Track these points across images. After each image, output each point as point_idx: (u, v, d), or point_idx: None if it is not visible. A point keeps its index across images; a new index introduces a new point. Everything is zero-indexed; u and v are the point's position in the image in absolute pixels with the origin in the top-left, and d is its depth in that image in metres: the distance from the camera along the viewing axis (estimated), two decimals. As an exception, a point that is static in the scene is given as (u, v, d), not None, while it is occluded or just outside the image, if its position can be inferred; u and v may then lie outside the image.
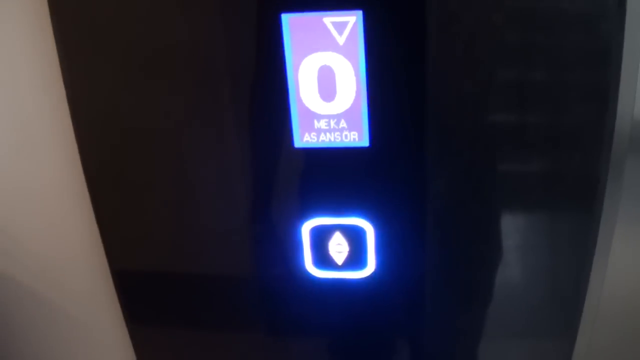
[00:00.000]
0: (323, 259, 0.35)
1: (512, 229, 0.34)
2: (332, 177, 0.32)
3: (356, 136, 0.31)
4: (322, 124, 0.31)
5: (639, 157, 0.33)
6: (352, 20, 0.29)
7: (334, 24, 0.29)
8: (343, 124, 0.31)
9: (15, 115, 0.36)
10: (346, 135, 0.31)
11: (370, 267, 0.34)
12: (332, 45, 0.30)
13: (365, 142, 0.31)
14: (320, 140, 0.31)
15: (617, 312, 0.38)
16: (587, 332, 0.37)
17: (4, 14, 0.33)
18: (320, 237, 0.34)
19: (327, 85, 0.30)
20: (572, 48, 0.29)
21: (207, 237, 0.36)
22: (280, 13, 0.29)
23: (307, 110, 0.31)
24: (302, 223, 0.34)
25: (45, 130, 0.36)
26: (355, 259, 0.34)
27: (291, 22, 0.29)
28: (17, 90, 0.35)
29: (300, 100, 0.31)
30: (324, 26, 0.29)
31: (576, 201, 0.33)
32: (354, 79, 0.30)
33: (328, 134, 0.31)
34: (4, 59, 0.34)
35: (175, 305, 0.39)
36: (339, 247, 0.34)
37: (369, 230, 0.33)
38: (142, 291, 0.39)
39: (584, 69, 0.30)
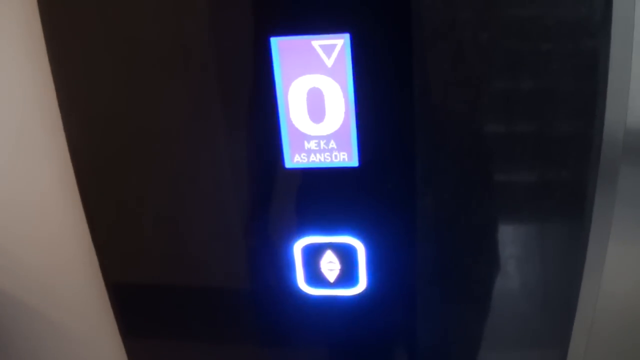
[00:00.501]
0: (315, 276, 0.35)
1: (502, 241, 0.34)
2: (323, 196, 0.33)
3: (346, 156, 0.32)
4: (312, 144, 0.32)
5: (632, 165, 0.33)
6: (340, 43, 0.29)
7: (322, 47, 0.30)
8: (333, 144, 0.32)
9: (7, 125, 0.36)
10: (336, 156, 0.32)
11: (362, 284, 0.35)
12: (321, 68, 0.30)
13: (354, 162, 0.32)
14: (310, 161, 0.32)
15: (613, 320, 0.38)
16: (581, 341, 0.37)
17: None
18: (312, 255, 0.34)
19: (317, 107, 0.31)
20: (559, 58, 0.30)
21: (200, 255, 0.36)
22: (270, 37, 0.30)
23: (297, 131, 0.31)
24: (294, 242, 0.34)
25: (38, 141, 0.36)
26: (347, 276, 0.35)
27: (280, 46, 0.30)
28: (9, 99, 0.35)
29: (290, 121, 0.31)
30: (313, 49, 0.30)
31: (565, 211, 0.33)
32: (342, 100, 0.31)
33: (318, 154, 0.32)
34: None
35: (170, 321, 0.40)
36: (330, 265, 0.34)
37: (360, 248, 0.34)
38: (136, 304, 0.39)
39: (571, 79, 0.30)
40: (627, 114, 0.32)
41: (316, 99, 0.31)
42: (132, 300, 0.39)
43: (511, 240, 0.34)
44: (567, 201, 0.33)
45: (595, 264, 0.35)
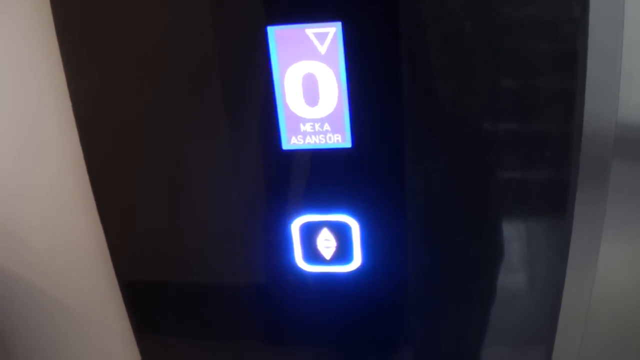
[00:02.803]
0: (312, 254, 0.37)
1: (489, 224, 0.36)
2: (318, 176, 0.35)
3: (339, 138, 0.33)
4: (308, 127, 0.33)
5: (624, 160, 0.34)
6: (333, 31, 0.31)
7: (316, 34, 0.31)
8: (327, 127, 0.33)
9: (20, 115, 0.37)
10: (330, 138, 0.33)
11: (357, 261, 0.36)
12: (315, 55, 0.32)
13: (348, 144, 0.33)
14: (306, 143, 0.34)
15: (609, 318, 0.39)
16: (575, 339, 0.38)
17: (6, 15, 0.35)
18: (309, 233, 0.36)
19: (311, 92, 0.33)
20: (539, 54, 0.31)
21: (202, 237, 0.38)
22: (266, 26, 0.31)
23: (294, 115, 0.33)
24: (291, 220, 0.36)
25: (51, 133, 0.37)
26: (342, 253, 0.36)
27: (277, 34, 0.32)
28: (22, 91, 0.37)
29: (286, 105, 0.33)
30: (307, 37, 0.32)
31: (548, 206, 0.34)
32: (335, 85, 0.32)
33: (313, 136, 0.34)
34: (6, 59, 0.36)
35: (177, 311, 0.41)
36: (326, 243, 0.36)
37: (354, 226, 0.35)
38: (146, 298, 0.41)
39: (551, 74, 0.31)
40: (620, 110, 0.32)
41: (311, 84, 0.32)
42: (143, 295, 0.41)
43: (498, 222, 0.36)
44: (548, 197, 0.34)
45: (585, 261, 0.36)
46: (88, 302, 0.43)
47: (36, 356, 0.47)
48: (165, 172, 0.37)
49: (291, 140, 0.34)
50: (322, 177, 0.35)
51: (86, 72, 0.35)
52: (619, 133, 0.33)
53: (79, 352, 0.46)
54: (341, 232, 0.36)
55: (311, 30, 0.31)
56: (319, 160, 0.34)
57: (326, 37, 0.31)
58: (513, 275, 0.37)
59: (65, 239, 0.41)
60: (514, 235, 0.35)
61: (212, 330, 0.42)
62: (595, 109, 0.32)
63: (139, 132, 0.36)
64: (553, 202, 0.34)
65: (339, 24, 0.31)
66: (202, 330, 0.42)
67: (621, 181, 0.34)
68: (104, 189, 0.38)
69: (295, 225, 0.36)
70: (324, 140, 0.33)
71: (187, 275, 0.40)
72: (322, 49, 0.32)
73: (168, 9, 0.33)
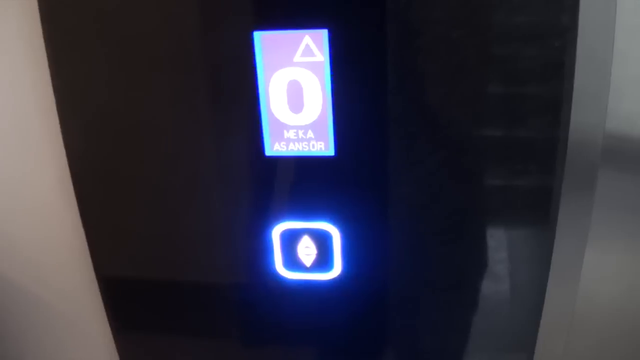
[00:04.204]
0: (293, 261, 0.36)
1: (472, 233, 0.36)
2: (301, 183, 0.34)
3: (322, 146, 0.33)
4: (291, 134, 0.33)
5: (613, 170, 0.34)
6: (319, 37, 0.31)
7: (302, 41, 0.31)
8: (310, 134, 0.33)
9: (4, 117, 0.37)
10: (313, 145, 0.33)
11: (337, 269, 0.36)
12: (300, 61, 0.32)
13: (331, 152, 0.33)
14: (289, 149, 0.34)
15: (591, 328, 0.39)
16: (558, 346, 0.39)
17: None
18: (290, 240, 0.36)
19: (296, 98, 0.33)
20: (525, 61, 0.31)
21: (183, 241, 0.38)
22: (253, 31, 0.31)
23: (277, 121, 0.33)
24: (272, 227, 0.36)
25: (33, 129, 0.37)
26: (323, 261, 0.36)
27: (263, 40, 0.32)
28: (4, 89, 0.36)
29: (270, 111, 0.33)
30: (293, 43, 0.31)
31: (531, 215, 0.35)
32: (320, 92, 0.32)
33: (297, 143, 0.33)
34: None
35: (156, 310, 0.41)
36: (307, 250, 0.36)
37: (335, 234, 0.35)
38: (126, 297, 0.41)
39: (537, 82, 0.31)
40: (608, 120, 0.33)
41: (295, 91, 0.32)
42: (123, 293, 0.41)
43: (480, 230, 0.36)
44: (532, 205, 0.34)
45: (569, 270, 0.36)
46: (66, 300, 0.43)
47: (13, 354, 0.46)
48: (149, 175, 0.36)
49: (274, 147, 0.34)
50: (304, 185, 0.35)
51: (72, 71, 0.34)
52: (608, 143, 0.33)
53: (56, 351, 0.45)
54: (322, 240, 0.36)
55: (297, 37, 0.31)
56: (302, 167, 0.34)
57: (312, 43, 0.31)
58: (495, 283, 0.37)
59: (45, 236, 0.41)
60: (497, 243, 0.36)
61: (190, 332, 0.41)
62: (584, 118, 0.32)
63: (123, 132, 0.35)
64: (536, 210, 0.34)
65: (325, 31, 0.31)
66: (181, 332, 0.42)
67: (609, 191, 0.35)
68: (86, 188, 0.37)
69: (276, 232, 0.36)
70: (307, 148, 0.33)
71: (168, 277, 0.40)
72: (308, 55, 0.32)
73: (155, 13, 0.32)
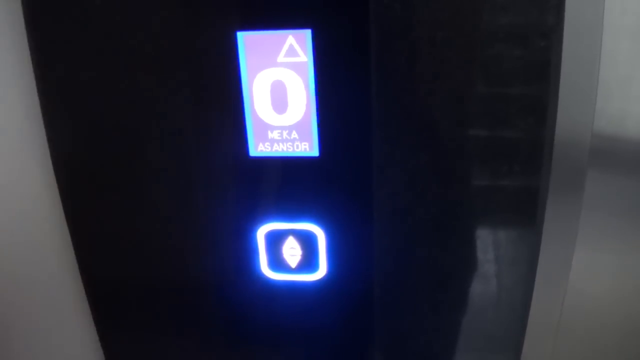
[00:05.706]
0: (278, 262, 0.36)
1: (458, 234, 0.36)
2: (285, 184, 0.34)
3: (307, 146, 0.33)
4: (275, 134, 0.33)
5: (601, 171, 0.34)
6: (303, 38, 0.31)
7: (286, 41, 0.31)
8: (294, 135, 0.33)
9: None
10: (297, 146, 0.33)
11: (322, 270, 0.36)
12: (284, 62, 0.32)
13: (315, 152, 0.33)
14: (273, 150, 0.33)
15: (579, 329, 0.39)
16: (546, 347, 0.39)
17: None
18: (275, 241, 0.36)
19: (280, 99, 0.32)
20: (510, 61, 0.31)
21: (167, 241, 0.38)
22: (236, 31, 0.31)
23: (261, 121, 0.33)
24: (257, 228, 0.36)
25: (19, 136, 0.37)
26: (308, 262, 0.36)
27: (246, 40, 0.31)
28: None
29: (254, 112, 0.33)
30: (277, 44, 0.31)
31: (517, 216, 0.34)
32: (304, 93, 0.32)
33: (281, 144, 0.33)
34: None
35: (142, 311, 0.41)
36: (292, 251, 0.36)
37: (320, 235, 0.35)
38: (112, 298, 0.41)
39: (523, 82, 0.31)
40: (596, 120, 0.33)
41: (279, 91, 0.32)
42: (108, 293, 0.41)
43: (465, 232, 0.36)
44: (518, 206, 0.34)
45: (557, 271, 0.36)
46: (51, 301, 0.42)
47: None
48: (133, 177, 0.36)
49: (258, 147, 0.34)
50: (288, 185, 0.34)
51: (56, 74, 0.34)
52: (595, 143, 0.33)
53: (41, 352, 0.45)
54: (307, 241, 0.36)
55: (281, 37, 0.31)
56: (286, 168, 0.34)
57: (296, 44, 0.31)
58: (481, 284, 0.37)
59: (29, 238, 0.40)
60: (483, 244, 0.36)
61: (176, 333, 0.41)
62: (571, 118, 0.32)
63: (107, 134, 0.35)
64: (523, 212, 0.34)
65: (308, 31, 0.31)
66: (166, 333, 0.41)
67: (597, 191, 0.35)
68: (71, 189, 0.37)
69: (261, 233, 0.36)
70: (292, 148, 0.33)
71: (154, 277, 0.39)
72: (292, 56, 0.32)
73: (139, 14, 0.32)
